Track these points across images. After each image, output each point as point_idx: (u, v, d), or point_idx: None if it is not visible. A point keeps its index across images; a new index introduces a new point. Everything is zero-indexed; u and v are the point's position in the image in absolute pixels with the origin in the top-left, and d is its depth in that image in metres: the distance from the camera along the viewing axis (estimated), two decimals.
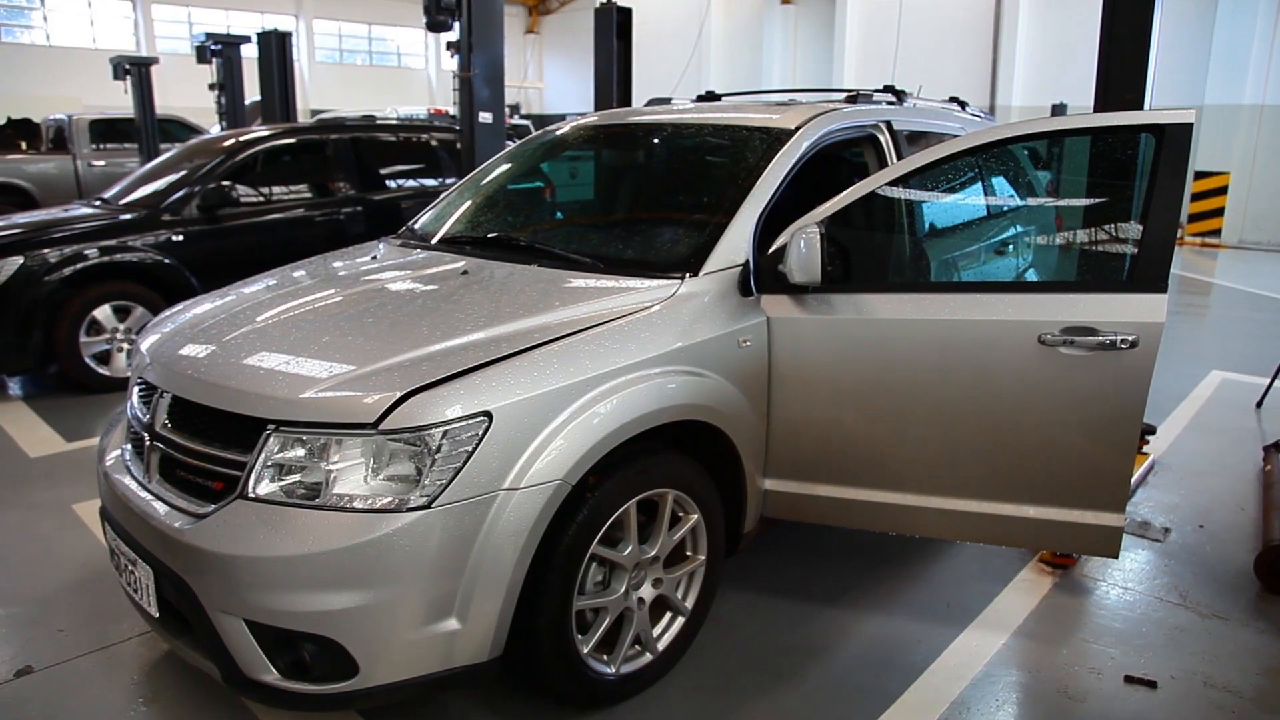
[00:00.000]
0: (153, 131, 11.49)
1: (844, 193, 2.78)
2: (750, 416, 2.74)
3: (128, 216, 6.00)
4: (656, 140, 3.68)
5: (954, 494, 2.77)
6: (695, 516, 2.65)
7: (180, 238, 6.05)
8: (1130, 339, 2.50)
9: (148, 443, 2.47)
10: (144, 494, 2.39)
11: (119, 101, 12.19)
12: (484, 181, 3.81)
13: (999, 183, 3.61)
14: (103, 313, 5.73)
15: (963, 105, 4.50)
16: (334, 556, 2.01)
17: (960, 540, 2.89)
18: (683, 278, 2.67)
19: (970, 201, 3.35)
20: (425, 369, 2.18)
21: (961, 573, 3.35)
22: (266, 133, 6.86)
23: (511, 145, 4.13)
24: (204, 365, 2.40)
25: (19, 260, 5.50)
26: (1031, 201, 3.72)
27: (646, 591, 2.57)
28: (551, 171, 3.93)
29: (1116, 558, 2.78)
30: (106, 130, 12.64)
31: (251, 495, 2.14)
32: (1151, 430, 4.57)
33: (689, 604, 2.71)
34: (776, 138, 3.08)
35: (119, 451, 2.64)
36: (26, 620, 3.02)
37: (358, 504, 2.06)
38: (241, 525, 2.10)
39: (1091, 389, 2.56)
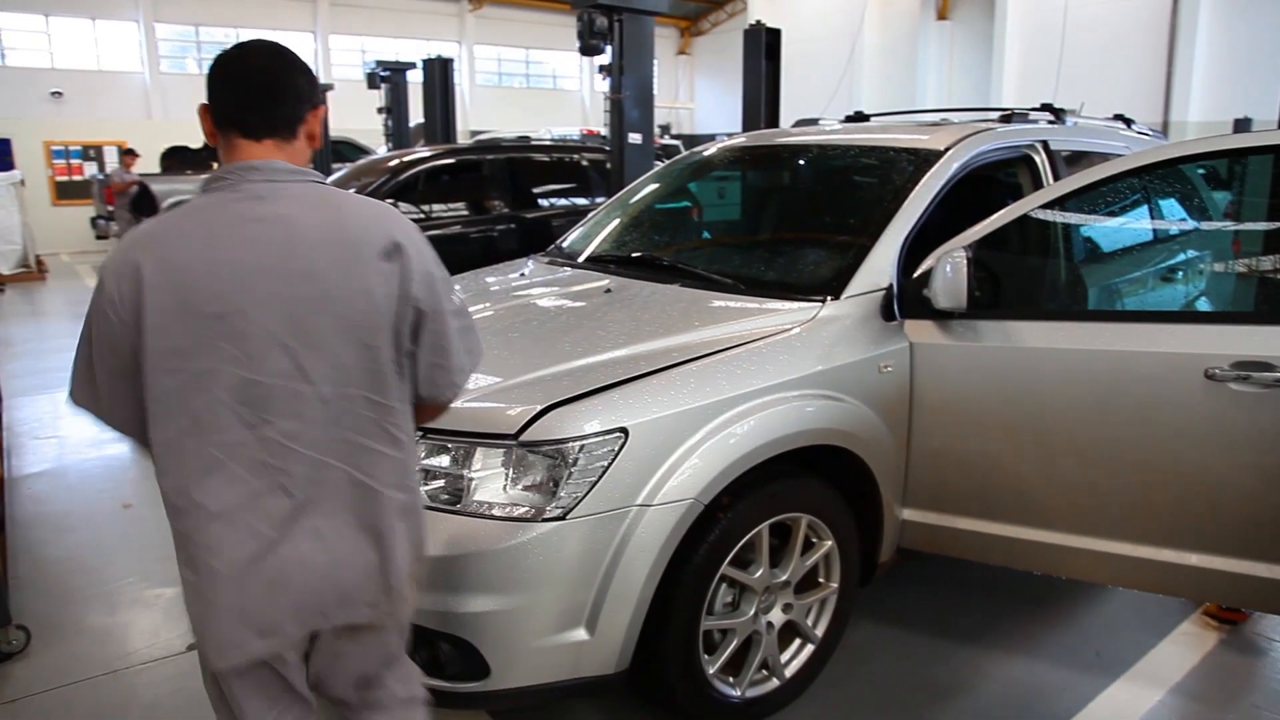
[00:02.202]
0: (326, 153, 12.30)
1: (994, 215, 2.69)
2: (889, 444, 2.68)
3: None
4: (802, 161, 3.67)
5: (1107, 535, 2.61)
6: (829, 543, 2.61)
7: None
8: None
9: None
10: None
11: None
12: (631, 201, 3.90)
13: (1167, 205, 3.39)
14: None
15: (1128, 123, 4.26)
16: (471, 561, 2.10)
17: (1113, 586, 2.72)
18: (824, 300, 2.65)
19: (1132, 226, 3.17)
20: (565, 384, 2.25)
21: (1114, 620, 3.15)
22: (427, 153, 7.24)
23: (660, 165, 4.21)
24: None
25: None
26: (1203, 225, 3.48)
27: (776, 616, 2.55)
28: (697, 192, 3.99)
29: None
30: None
31: None
32: None
33: (819, 631, 2.67)
34: (925, 159, 3.02)
35: None
36: None
37: (496, 511, 2.14)
38: None
39: (1267, 429, 2.37)
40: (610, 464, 2.14)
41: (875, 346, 2.64)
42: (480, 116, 25.91)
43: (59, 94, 19.20)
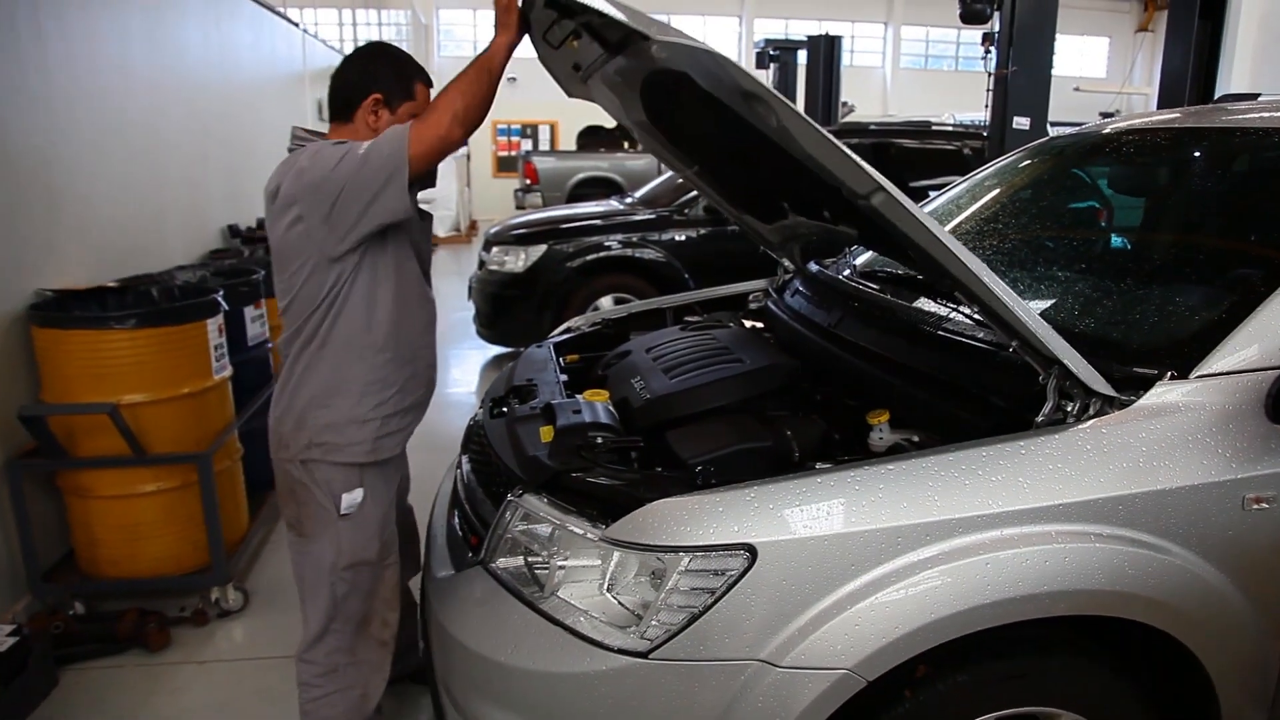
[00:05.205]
0: None
1: None
2: (1246, 627, 1.60)
3: (641, 216, 6.30)
4: (1195, 154, 2.48)
5: None
6: None
7: (682, 238, 6.17)
8: None
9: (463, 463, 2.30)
10: (443, 516, 2.23)
11: None
12: (938, 200, 3.00)
13: None
14: (605, 302, 6.06)
15: None
16: (524, 677, 1.56)
17: None
18: (1156, 377, 1.64)
19: None
20: None
21: None
22: None
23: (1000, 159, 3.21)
24: None
25: (543, 247, 6.07)
26: None
27: None
28: (1016, 195, 2.86)
29: None
30: None
31: (488, 566, 1.78)
32: None
33: None
34: None
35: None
36: None
37: (565, 619, 1.57)
38: (469, 598, 1.77)
39: None
40: (723, 594, 1.45)
41: (1242, 464, 1.57)
42: (902, 100, 24.61)
43: (513, 79, 21.73)
